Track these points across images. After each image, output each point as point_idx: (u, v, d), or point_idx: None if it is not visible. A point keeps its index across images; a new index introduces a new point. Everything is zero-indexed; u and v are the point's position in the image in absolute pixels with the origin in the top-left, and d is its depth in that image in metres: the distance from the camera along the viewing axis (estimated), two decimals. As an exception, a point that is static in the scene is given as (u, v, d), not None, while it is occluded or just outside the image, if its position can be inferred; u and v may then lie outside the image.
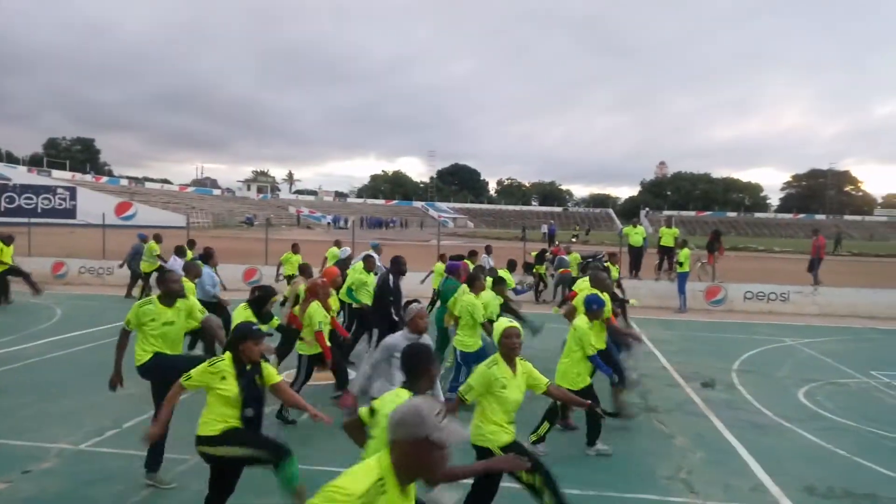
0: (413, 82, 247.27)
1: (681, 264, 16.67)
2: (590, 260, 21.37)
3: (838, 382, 9.76)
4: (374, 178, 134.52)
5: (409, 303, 5.36)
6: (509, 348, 4.38)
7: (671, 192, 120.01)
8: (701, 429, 7.45)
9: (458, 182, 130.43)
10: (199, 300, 7.59)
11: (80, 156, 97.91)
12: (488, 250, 15.61)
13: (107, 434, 6.73)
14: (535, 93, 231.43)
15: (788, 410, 8.24)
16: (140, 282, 16.46)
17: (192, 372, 4.28)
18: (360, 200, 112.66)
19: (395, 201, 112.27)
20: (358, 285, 9.95)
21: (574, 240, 38.69)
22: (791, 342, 12.88)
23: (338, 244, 15.74)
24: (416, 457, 2.15)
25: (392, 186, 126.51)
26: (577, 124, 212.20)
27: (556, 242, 30.92)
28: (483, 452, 4.29)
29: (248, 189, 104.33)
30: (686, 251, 16.81)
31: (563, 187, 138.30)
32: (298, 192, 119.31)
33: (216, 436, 4.23)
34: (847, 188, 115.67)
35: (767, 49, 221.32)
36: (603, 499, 5.50)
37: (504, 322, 4.53)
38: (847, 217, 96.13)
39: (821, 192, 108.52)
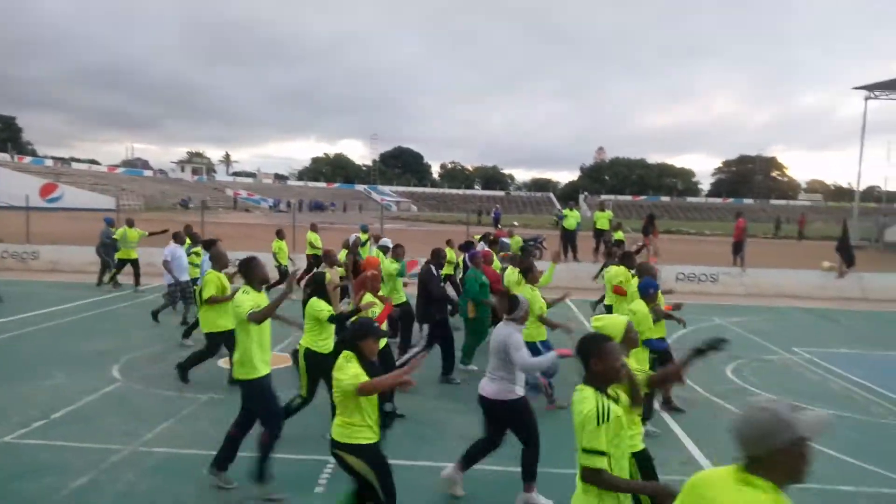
0: (356, 63, 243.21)
1: (618, 243, 17.15)
2: (530, 243, 21.76)
3: (763, 359, 10.29)
4: (316, 160, 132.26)
5: (509, 296, 5.46)
6: (634, 341, 4.08)
7: (609, 177, 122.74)
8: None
9: (402, 165, 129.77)
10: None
11: (0, 134, 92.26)
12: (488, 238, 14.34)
13: (34, 425, 6.46)
14: (479, 78, 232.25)
15: (717, 386, 8.66)
16: (112, 269, 15.44)
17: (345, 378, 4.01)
18: (301, 183, 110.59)
19: (336, 184, 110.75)
20: (387, 277, 9.01)
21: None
22: (719, 321, 13.46)
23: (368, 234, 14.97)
24: (795, 460, 2.02)
25: (333, 169, 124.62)
26: (520, 110, 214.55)
27: (500, 226, 31.28)
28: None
29: (183, 171, 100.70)
30: (620, 233, 17.32)
31: (506, 171, 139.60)
32: (236, 174, 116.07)
33: (361, 445, 4.10)
34: (773, 174, 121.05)
35: (701, 41, 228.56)
36: (543, 475, 5.62)
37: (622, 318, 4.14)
38: (773, 201, 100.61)
39: (749, 177, 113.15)
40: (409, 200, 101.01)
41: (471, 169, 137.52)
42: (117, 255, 15.29)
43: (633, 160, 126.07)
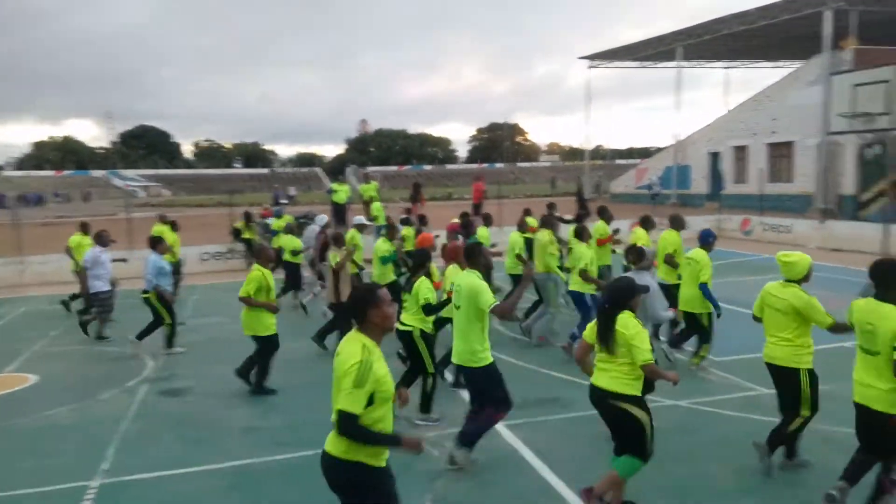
0: (78, 29, 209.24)
1: (376, 218, 17.48)
2: (302, 220, 21.22)
3: (521, 308, 11.07)
4: (39, 145, 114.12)
5: None
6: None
7: (374, 149, 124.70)
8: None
9: (147, 146, 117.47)
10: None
11: None
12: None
13: None
14: (222, 45, 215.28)
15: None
16: None
17: None
18: (21, 173, 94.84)
19: (67, 171, 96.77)
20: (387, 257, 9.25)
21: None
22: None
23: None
24: None
25: (63, 154, 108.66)
26: (276, 81, 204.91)
27: (266, 206, 29.97)
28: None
29: None
30: (378, 205, 17.71)
31: (268, 147, 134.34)
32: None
33: (638, 396, 4.21)
34: (518, 139, 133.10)
35: (448, 11, 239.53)
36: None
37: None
38: (520, 164, 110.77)
39: (499, 143, 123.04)
40: (159, 185, 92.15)
41: (229, 146, 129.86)
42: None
43: (396, 131, 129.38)
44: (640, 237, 9.27)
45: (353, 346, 3.16)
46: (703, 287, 7.16)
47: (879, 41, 24.25)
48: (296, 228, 12.95)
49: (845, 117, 15.25)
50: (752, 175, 27.65)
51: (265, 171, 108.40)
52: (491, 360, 5.26)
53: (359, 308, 3.23)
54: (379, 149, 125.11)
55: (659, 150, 43.85)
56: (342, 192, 19.95)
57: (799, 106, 25.17)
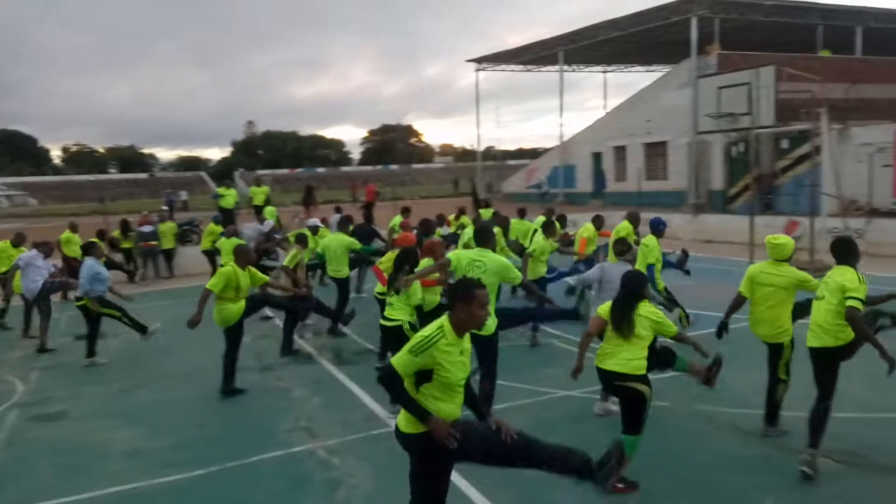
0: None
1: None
2: (186, 227, 20.22)
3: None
4: None
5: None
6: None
7: (263, 151, 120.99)
8: (316, 376, 7.77)
9: (10, 152, 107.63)
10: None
11: None
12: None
13: None
14: (90, 43, 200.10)
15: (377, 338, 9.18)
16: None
17: None
18: None
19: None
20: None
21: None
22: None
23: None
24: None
25: None
26: (153, 81, 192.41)
27: (146, 212, 28.25)
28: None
29: None
30: (272, 209, 17.24)
31: (146, 151, 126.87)
32: None
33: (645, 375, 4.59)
34: (412, 140, 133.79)
35: (332, 9, 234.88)
36: (226, 470, 5.30)
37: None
38: (415, 166, 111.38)
39: (392, 145, 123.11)
40: (25, 193, 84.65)
41: (102, 150, 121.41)
42: None
43: (286, 133, 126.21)
44: (624, 229, 9.63)
45: (433, 324, 3.44)
46: (650, 268, 7.88)
47: (740, 46, 26.48)
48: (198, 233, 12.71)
49: (712, 118, 16.40)
50: (631, 173, 29.30)
51: (144, 175, 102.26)
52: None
53: (454, 298, 3.45)
54: (268, 151, 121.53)
55: (546, 150, 45.49)
56: (229, 197, 19.13)
57: (671, 107, 26.94)
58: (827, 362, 4.70)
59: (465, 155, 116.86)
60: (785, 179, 20.47)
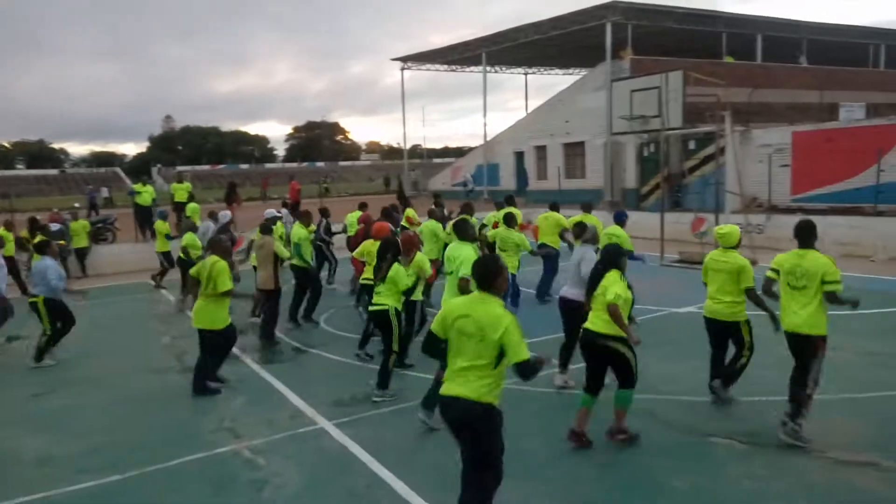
0: None
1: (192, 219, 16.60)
2: (99, 225, 19.38)
3: (348, 306, 11.18)
4: None
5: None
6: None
7: (183, 147, 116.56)
8: (240, 375, 7.72)
9: None
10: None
11: None
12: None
13: None
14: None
15: (313, 338, 9.22)
16: None
17: None
18: None
19: None
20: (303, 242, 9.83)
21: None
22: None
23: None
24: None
25: None
26: (61, 73, 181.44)
27: (56, 210, 26.86)
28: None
29: None
30: (195, 206, 16.84)
31: (56, 146, 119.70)
32: None
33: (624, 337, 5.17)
34: (338, 137, 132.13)
35: (252, 4, 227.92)
36: (145, 475, 5.24)
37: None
38: (341, 163, 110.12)
39: (318, 142, 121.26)
40: (-81, 191, 78.15)
41: (7, 145, 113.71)
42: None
43: (207, 128, 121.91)
44: (589, 219, 10.14)
45: (495, 308, 3.72)
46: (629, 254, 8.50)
47: (653, 52, 27.74)
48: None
49: (625, 119, 17.21)
50: (552, 172, 30.16)
51: (54, 171, 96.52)
52: None
53: (490, 275, 3.79)
54: (188, 147, 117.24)
55: (471, 149, 46.05)
56: (146, 194, 18.46)
57: (587, 109, 27.89)
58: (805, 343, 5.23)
59: (392, 153, 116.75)
60: (692, 178, 21.62)
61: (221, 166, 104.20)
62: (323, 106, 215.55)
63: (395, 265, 6.73)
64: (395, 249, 6.87)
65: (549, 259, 10.93)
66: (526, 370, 3.62)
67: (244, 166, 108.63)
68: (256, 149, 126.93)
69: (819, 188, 17.92)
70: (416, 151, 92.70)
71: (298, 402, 6.68)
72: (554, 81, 68.73)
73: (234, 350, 8.74)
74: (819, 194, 17.82)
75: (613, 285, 5.20)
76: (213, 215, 13.28)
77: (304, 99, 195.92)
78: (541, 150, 32.36)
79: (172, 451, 5.61)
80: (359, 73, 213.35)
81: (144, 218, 18.05)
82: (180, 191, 19.10)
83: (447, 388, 3.83)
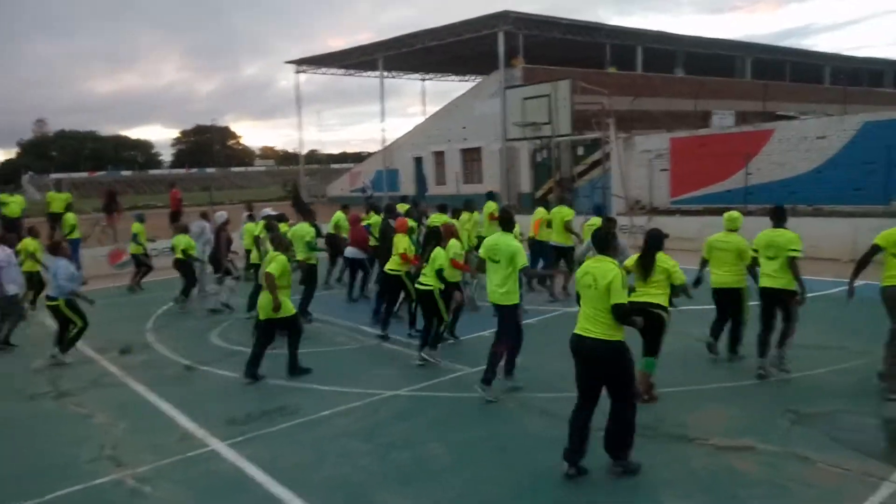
0: None
1: (72, 231, 15.44)
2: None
3: (242, 319, 10.70)
4: None
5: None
6: None
7: (57, 153, 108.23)
8: (122, 399, 7.22)
9: None
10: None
11: None
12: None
13: None
14: None
15: (204, 354, 8.77)
16: None
17: None
18: None
19: None
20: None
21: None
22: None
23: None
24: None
25: None
26: None
27: None
28: None
29: None
30: (71, 215, 15.85)
31: None
32: None
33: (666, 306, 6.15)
34: (230, 142, 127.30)
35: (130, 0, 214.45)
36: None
37: None
38: (234, 169, 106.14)
39: (208, 146, 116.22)
40: None
41: None
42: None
43: (83, 132, 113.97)
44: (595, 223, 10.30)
45: (607, 265, 4.73)
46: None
47: (543, 61, 28.76)
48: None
49: (519, 126, 17.78)
50: (450, 177, 30.60)
51: None
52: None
53: (603, 241, 4.94)
54: (63, 152, 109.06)
55: (370, 154, 45.80)
56: (14, 205, 16.93)
57: (483, 115, 28.53)
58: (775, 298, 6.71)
59: (288, 158, 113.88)
60: (582, 182, 22.61)
61: (100, 173, 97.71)
62: (213, 109, 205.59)
63: (437, 249, 7.77)
64: (438, 236, 7.94)
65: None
66: (619, 312, 4.57)
67: (126, 173, 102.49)
68: (140, 154, 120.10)
69: (695, 191, 19.24)
70: (313, 157, 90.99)
71: (188, 424, 6.32)
72: (451, 88, 69.65)
73: (115, 371, 8.21)
74: (695, 196, 19.13)
75: (675, 268, 6.15)
76: (205, 215, 13.37)
77: (192, 101, 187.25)
78: (439, 156, 32.72)
79: (46, 485, 5.13)
80: (251, 75, 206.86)
81: (12, 230, 16.50)
82: (57, 200, 17.69)
83: (580, 328, 4.80)
